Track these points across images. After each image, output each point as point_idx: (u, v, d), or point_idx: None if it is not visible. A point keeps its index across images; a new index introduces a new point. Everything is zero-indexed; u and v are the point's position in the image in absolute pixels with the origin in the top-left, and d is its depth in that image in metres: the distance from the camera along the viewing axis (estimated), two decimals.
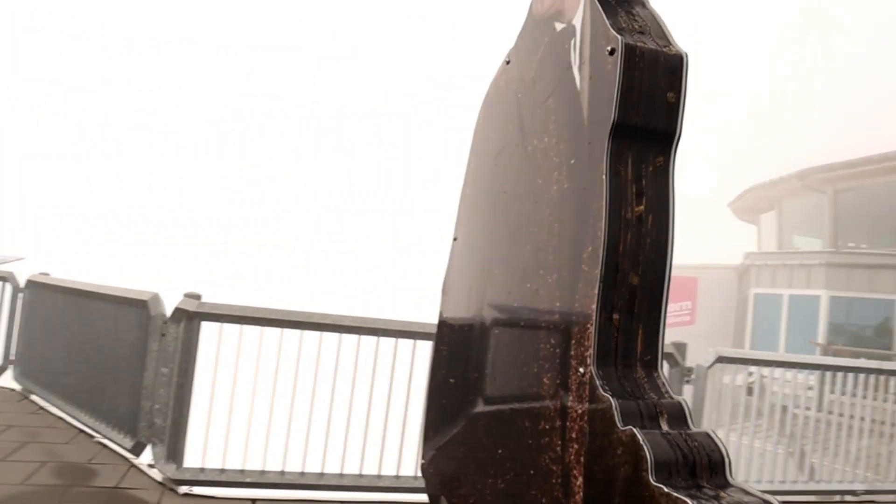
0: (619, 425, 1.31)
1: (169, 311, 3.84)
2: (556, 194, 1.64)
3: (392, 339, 3.80)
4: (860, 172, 17.01)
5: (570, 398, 1.47)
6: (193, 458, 3.66)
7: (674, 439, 1.29)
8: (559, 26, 1.74)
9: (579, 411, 1.43)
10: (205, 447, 3.63)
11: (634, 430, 1.28)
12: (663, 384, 1.43)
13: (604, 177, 1.45)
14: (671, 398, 1.39)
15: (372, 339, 3.75)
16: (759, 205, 20.48)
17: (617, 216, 1.45)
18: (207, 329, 3.64)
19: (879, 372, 5.09)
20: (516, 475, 1.65)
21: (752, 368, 4.99)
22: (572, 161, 1.59)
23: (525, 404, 1.65)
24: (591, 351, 1.42)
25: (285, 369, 3.59)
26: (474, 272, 2.06)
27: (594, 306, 1.43)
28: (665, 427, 1.33)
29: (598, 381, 1.39)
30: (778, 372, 4.97)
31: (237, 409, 3.60)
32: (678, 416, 1.36)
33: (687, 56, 1.49)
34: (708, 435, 1.31)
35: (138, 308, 3.99)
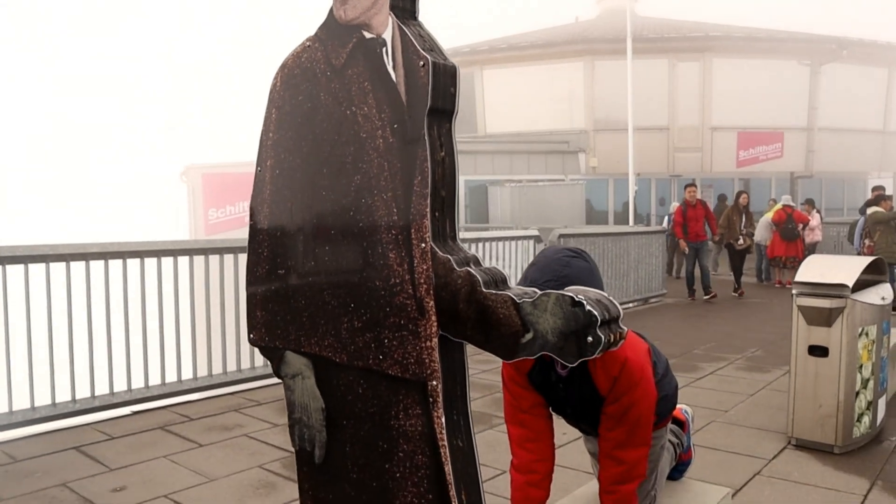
0: (457, 268, 2.57)
1: None
2: (382, 144, 2.72)
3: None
4: None
5: (416, 261, 2.65)
6: None
7: (484, 271, 2.60)
8: (368, 35, 2.75)
9: (424, 266, 2.63)
10: None
11: (469, 269, 2.55)
12: (461, 248, 2.72)
13: (425, 137, 2.61)
14: (469, 253, 2.69)
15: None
16: None
17: (434, 158, 2.63)
18: None
19: None
20: (372, 312, 2.78)
21: None
22: (395, 125, 2.69)
23: (374, 271, 2.76)
24: (428, 234, 2.62)
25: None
26: (295, 194, 2.99)
27: (427, 209, 2.61)
28: (475, 266, 2.63)
29: (436, 249, 2.61)
30: None
31: None
32: (477, 261, 2.67)
33: (458, 66, 2.69)
34: (496, 268, 2.65)
35: None
